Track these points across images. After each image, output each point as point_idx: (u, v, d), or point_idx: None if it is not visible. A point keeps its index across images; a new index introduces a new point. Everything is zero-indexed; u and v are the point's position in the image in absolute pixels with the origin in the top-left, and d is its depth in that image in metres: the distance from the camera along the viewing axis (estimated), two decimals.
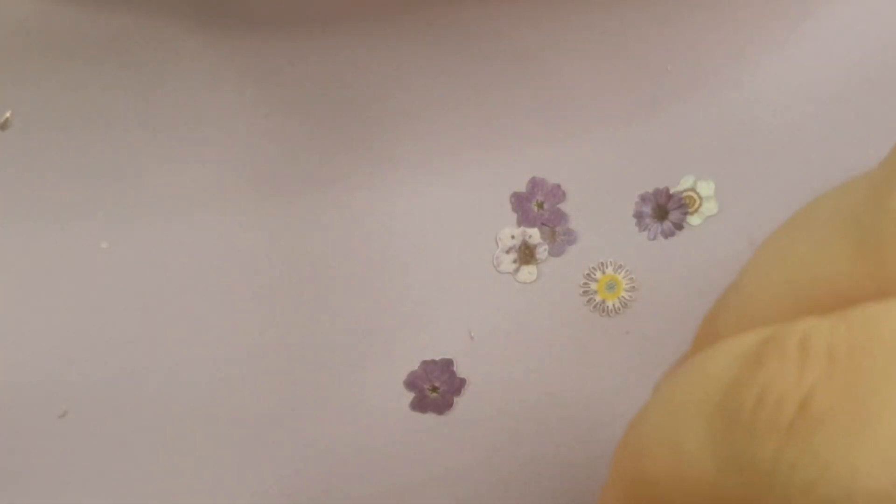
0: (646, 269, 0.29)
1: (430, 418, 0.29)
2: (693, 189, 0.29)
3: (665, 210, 0.29)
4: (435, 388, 0.29)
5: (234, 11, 0.28)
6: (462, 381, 0.29)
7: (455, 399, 0.29)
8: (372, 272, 0.29)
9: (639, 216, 0.29)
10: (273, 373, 0.29)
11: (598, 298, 0.29)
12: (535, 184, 0.29)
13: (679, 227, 0.30)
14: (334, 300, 0.29)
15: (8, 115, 0.28)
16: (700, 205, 0.29)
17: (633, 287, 0.29)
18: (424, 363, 0.29)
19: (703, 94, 0.29)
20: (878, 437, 0.09)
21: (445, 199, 0.29)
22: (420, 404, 0.29)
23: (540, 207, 0.29)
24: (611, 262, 0.29)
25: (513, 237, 0.29)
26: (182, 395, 0.28)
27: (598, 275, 0.29)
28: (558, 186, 0.29)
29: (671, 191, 0.29)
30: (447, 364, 0.29)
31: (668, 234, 0.30)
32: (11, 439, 0.28)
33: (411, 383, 0.29)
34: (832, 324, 0.10)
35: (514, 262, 0.29)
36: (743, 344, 0.11)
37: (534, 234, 0.29)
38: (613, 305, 0.29)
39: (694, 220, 0.29)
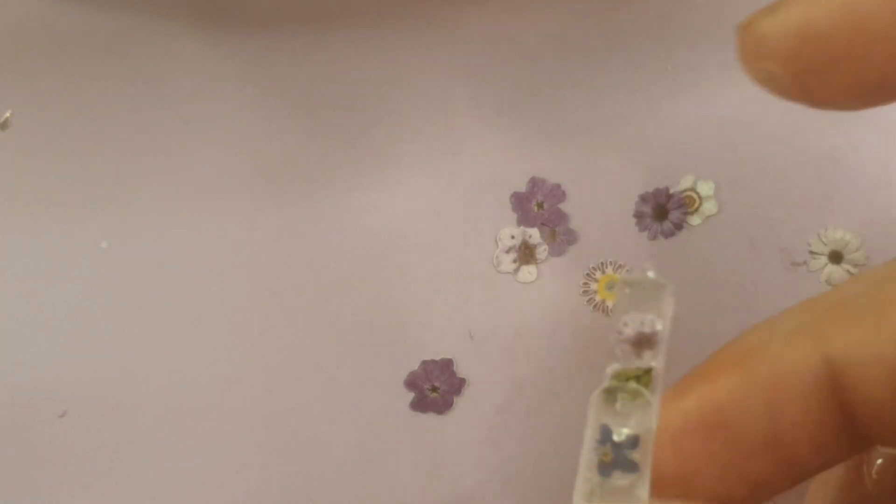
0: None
1: (430, 418, 0.29)
2: (693, 189, 0.29)
3: (665, 210, 0.29)
4: (435, 388, 0.29)
5: (233, 12, 0.28)
6: (462, 381, 0.29)
7: (455, 399, 0.29)
8: (372, 272, 0.29)
9: (639, 216, 0.29)
10: (273, 373, 0.29)
11: (598, 298, 0.29)
12: (535, 184, 0.29)
13: (679, 227, 0.30)
14: (334, 300, 0.29)
15: (8, 114, 0.28)
16: (700, 205, 0.29)
17: None
18: (424, 363, 0.29)
19: (703, 94, 0.29)
20: None
21: (445, 199, 0.29)
22: (420, 404, 0.29)
23: (540, 207, 0.29)
24: (611, 261, 0.29)
25: (513, 237, 0.29)
26: (182, 395, 0.29)
27: (598, 275, 0.29)
28: (558, 186, 0.29)
29: (671, 191, 0.29)
30: (447, 364, 0.29)
31: (668, 234, 0.30)
32: (11, 439, 0.28)
33: (411, 383, 0.29)
34: None
35: (514, 262, 0.29)
36: None
37: (534, 234, 0.29)
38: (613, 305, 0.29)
39: (694, 219, 0.29)
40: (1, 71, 0.28)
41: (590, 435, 0.20)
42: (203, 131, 0.29)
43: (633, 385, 0.20)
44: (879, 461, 0.24)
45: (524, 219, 0.29)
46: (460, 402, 0.29)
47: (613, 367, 0.20)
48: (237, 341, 0.29)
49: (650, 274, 0.20)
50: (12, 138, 0.28)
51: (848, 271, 0.29)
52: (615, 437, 0.20)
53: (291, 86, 0.29)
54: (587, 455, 0.20)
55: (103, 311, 0.28)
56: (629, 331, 0.20)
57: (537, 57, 0.29)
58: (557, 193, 0.29)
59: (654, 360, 0.20)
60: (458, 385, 0.29)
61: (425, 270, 0.29)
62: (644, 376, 0.20)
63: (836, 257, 0.29)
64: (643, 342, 0.20)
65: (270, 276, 0.29)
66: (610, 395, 0.20)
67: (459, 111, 0.29)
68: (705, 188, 0.29)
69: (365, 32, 0.29)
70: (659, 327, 0.20)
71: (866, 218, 0.29)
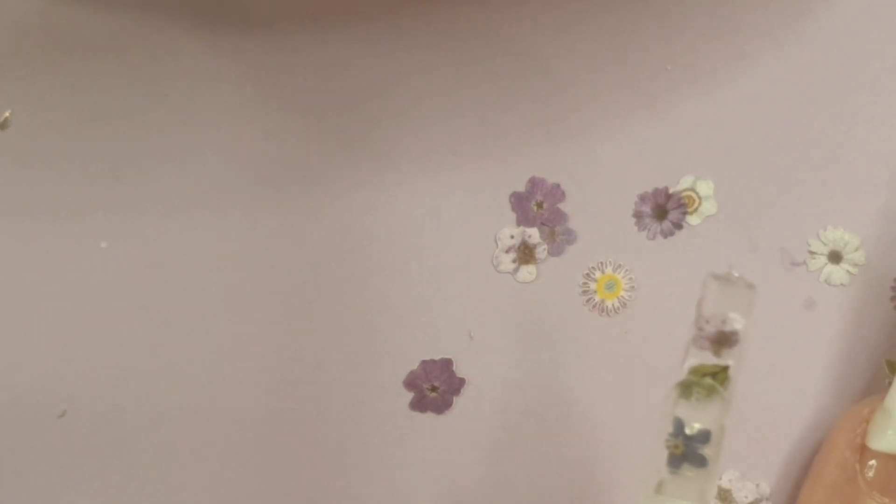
0: (645, 269, 0.29)
1: (429, 418, 0.29)
2: (692, 189, 0.29)
3: (664, 210, 0.29)
4: (434, 387, 0.29)
5: (233, 11, 0.28)
6: (461, 381, 0.29)
7: (454, 399, 0.29)
8: (372, 272, 0.29)
9: (638, 216, 0.29)
10: (273, 373, 0.29)
11: (597, 298, 0.29)
12: (534, 183, 0.29)
13: (678, 226, 0.30)
14: (334, 300, 0.29)
15: (7, 114, 0.28)
16: (699, 204, 0.29)
17: (633, 287, 0.29)
18: (424, 363, 0.29)
19: (703, 93, 0.29)
20: None
21: (445, 199, 0.29)
22: (419, 404, 0.29)
23: (539, 207, 0.29)
24: (610, 261, 0.29)
25: (512, 237, 0.29)
26: (182, 395, 0.29)
27: (598, 274, 0.29)
28: (558, 186, 0.29)
29: (670, 190, 0.29)
30: (447, 364, 0.29)
31: (667, 234, 0.30)
32: (11, 439, 0.28)
33: (411, 383, 0.29)
34: None
35: (514, 261, 0.29)
36: None
37: (533, 234, 0.29)
38: (612, 305, 0.29)
39: (693, 219, 0.29)
40: (1, 71, 0.28)
41: (663, 426, 0.20)
42: (203, 131, 0.29)
43: (708, 381, 0.20)
44: (873, 462, 0.24)
45: (523, 219, 0.29)
46: (460, 402, 0.29)
47: (691, 363, 0.20)
48: (237, 341, 0.29)
49: (736, 274, 0.20)
50: (12, 138, 0.28)
51: (847, 271, 0.29)
52: (687, 431, 0.20)
53: (291, 86, 0.29)
54: (659, 446, 0.20)
55: (103, 311, 0.28)
56: (710, 328, 0.20)
57: (537, 57, 0.29)
58: (557, 193, 0.29)
59: (731, 359, 0.20)
60: (457, 385, 0.29)
61: (425, 270, 0.29)
62: (720, 373, 0.20)
63: (835, 257, 0.29)
64: (723, 340, 0.20)
65: (270, 276, 0.29)
66: (686, 389, 0.20)
67: (459, 111, 0.29)
68: (705, 188, 0.29)
69: (365, 32, 0.29)
70: (740, 327, 0.20)
71: (866, 218, 0.29)
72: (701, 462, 0.20)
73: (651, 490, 0.20)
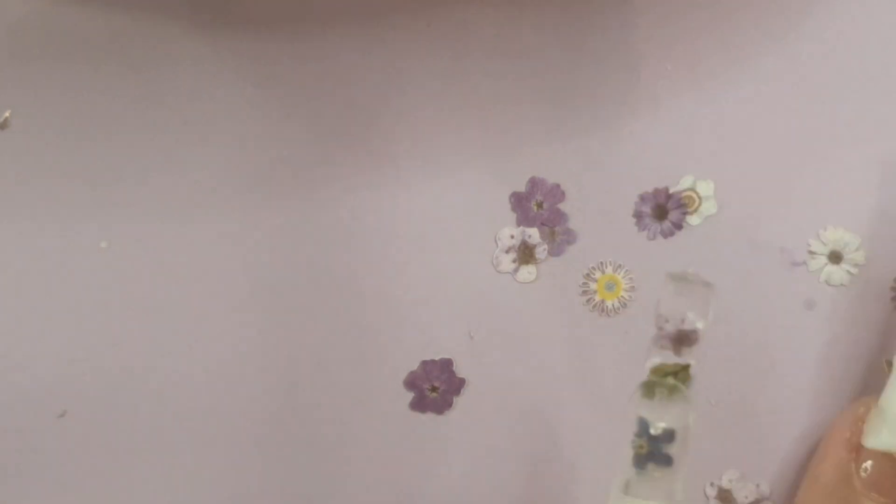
0: (645, 269, 0.29)
1: (429, 418, 0.29)
2: (692, 189, 0.29)
3: (664, 210, 0.29)
4: (434, 387, 0.29)
5: (233, 12, 0.28)
6: (461, 381, 0.29)
7: (454, 399, 0.29)
8: (372, 272, 0.29)
9: (638, 216, 0.29)
10: (273, 373, 0.29)
11: (597, 298, 0.29)
12: (534, 183, 0.29)
13: (678, 226, 0.30)
14: (334, 300, 0.29)
15: (7, 114, 0.28)
16: (699, 204, 0.29)
17: (633, 287, 0.29)
18: (424, 363, 0.29)
19: (703, 93, 0.29)
20: None
21: (445, 199, 0.29)
22: (420, 404, 0.29)
23: (539, 207, 0.29)
24: (610, 261, 0.29)
25: (512, 237, 0.29)
26: (182, 395, 0.29)
27: (598, 274, 0.29)
28: (558, 186, 0.29)
29: (671, 190, 0.29)
30: (447, 364, 0.29)
31: (667, 234, 0.30)
32: (11, 439, 0.28)
33: (411, 383, 0.29)
34: None
35: (514, 261, 0.29)
36: None
37: (533, 234, 0.29)
38: (612, 305, 0.29)
39: (693, 219, 0.29)
40: (1, 71, 0.28)
41: (628, 427, 0.21)
42: (203, 131, 0.29)
43: (670, 381, 0.20)
44: (868, 461, 0.25)
45: (524, 218, 0.29)
46: (460, 402, 0.29)
47: (652, 362, 0.21)
48: (237, 341, 0.29)
49: (694, 273, 0.21)
50: (12, 138, 0.28)
51: (847, 271, 0.29)
52: (652, 431, 0.20)
53: (291, 86, 0.29)
54: (624, 446, 0.20)
55: (103, 311, 0.28)
56: (670, 327, 0.21)
57: (537, 57, 0.29)
58: (557, 193, 0.29)
59: (692, 358, 0.20)
60: (457, 385, 0.29)
61: (425, 270, 0.29)
62: (682, 372, 0.20)
63: (835, 257, 0.29)
64: (683, 339, 0.20)
65: (270, 276, 0.29)
66: (648, 389, 0.21)
67: (459, 111, 0.29)
68: (705, 188, 0.29)
69: (365, 32, 0.29)
70: (700, 326, 0.21)
71: (866, 218, 0.29)
72: (667, 461, 0.20)
73: (619, 490, 0.20)
